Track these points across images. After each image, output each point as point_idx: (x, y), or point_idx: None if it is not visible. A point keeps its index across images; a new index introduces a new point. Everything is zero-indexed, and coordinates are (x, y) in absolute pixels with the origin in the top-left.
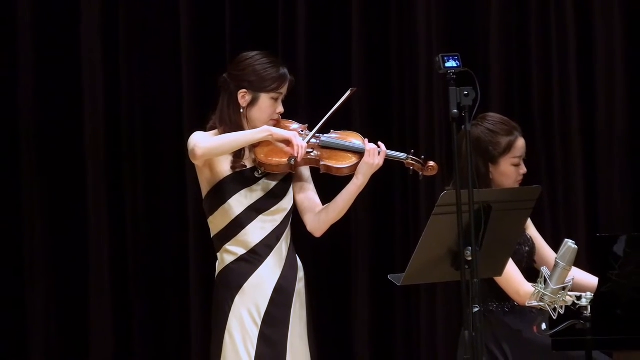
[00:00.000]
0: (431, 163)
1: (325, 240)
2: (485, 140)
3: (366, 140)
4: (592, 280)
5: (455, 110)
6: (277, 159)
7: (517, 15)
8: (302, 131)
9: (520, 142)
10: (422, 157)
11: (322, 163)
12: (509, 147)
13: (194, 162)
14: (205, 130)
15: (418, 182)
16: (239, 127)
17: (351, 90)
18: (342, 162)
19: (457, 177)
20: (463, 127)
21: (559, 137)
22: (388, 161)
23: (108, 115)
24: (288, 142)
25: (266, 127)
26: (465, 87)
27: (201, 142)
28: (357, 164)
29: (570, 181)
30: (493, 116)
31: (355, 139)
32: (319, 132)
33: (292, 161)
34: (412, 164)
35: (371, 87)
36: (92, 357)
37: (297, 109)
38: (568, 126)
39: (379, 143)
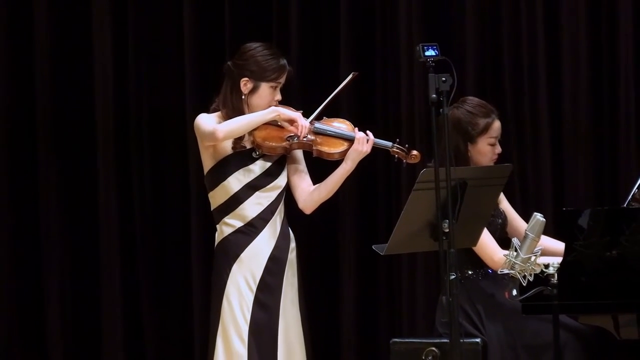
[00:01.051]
0: (414, 152)
1: (316, 215)
2: (465, 121)
3: (356, 129)
4: (559, 247)
5: (434, 95)
6: (274, 143)
7: (490, 9)
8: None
9: (497, 124)
10: (407, 145)
11: (314, 147)
12: (486, 128)
13: (211, 143)
14: (208, 111)
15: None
16: (240, 112)
17: (353, 75)
18: (333, 148)
19: (436, 156)
20: (442, 110)
21: (529, 120)
22: (374, 148)
23: (117, 102)
24: (292, 122)
25: (274, 107)
26: (443, 74)
27: (219, 125)
28: (346, 150)
29: (539, 159)
30: (472, 99)
31: (346, 127)
32: (314, 119)
33: (296, 139)
34: (397, 152)
35: (358, 72)
36: (104, 315)
37: (290, 97)
38: (537, 110)
39: (367, 132)
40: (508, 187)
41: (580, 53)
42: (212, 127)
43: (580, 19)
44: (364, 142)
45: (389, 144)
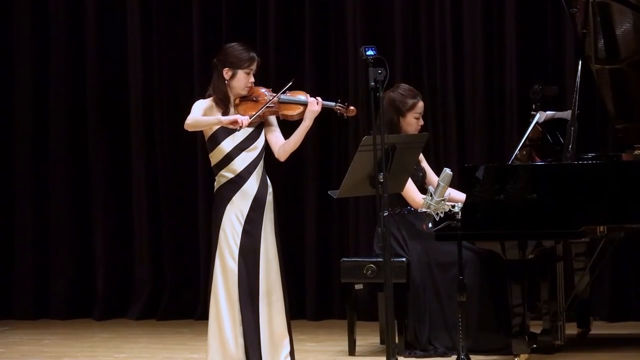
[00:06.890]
0: (351, 107)
1: (287, 168)
2: (398, 101)
3: (309, 95)
4: (461, 196)
5: (373, 84)
6: (252, 113)
7: (412, 20)
8: (268, 92)
9: (421, 103)
10: (346, 103)
11: (280, 113)
12: (413, 106)
13: None
14: (204, 97)
15: (349, 129)
16: (225, 94)
17: (292, 81)
18: (293, 111)
19: (375, 127)
20: (378, 94)
21: (440, 101)
22: (325, 110)
23: (145, 81)
24: (234, 122)
25: (218, 118)
26: (379, 68)
27: (188, 120)
28: (303, 112)
29: (448, 130)
30: (404, 85)
31: (301, 95)
32: (278, 93)
33: (239, 129)
34: (339, 108)
35: (318, 66)
36: (135, 225)
37: (268, 78)
38: (445, 94)
39: (317, 97)
40: (426, 150)
41: (478, 52)
42: (187, 120)
43: (478, 28)
44: (315, 104)
45: (333, 103)
